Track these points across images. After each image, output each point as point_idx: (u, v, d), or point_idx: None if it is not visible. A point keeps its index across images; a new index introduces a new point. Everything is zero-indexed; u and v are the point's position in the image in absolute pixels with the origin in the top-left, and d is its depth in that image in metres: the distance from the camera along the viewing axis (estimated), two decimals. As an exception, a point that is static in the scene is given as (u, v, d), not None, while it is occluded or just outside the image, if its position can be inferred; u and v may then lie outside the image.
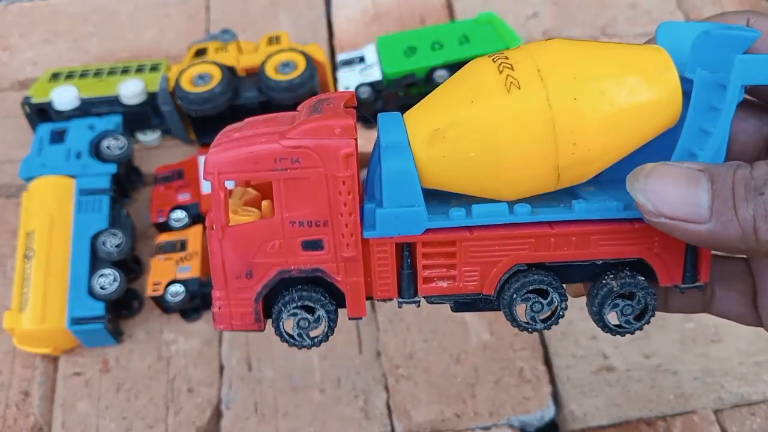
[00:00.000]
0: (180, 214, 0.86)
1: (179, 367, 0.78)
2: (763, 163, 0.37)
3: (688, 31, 0.41)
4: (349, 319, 0.44)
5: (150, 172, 0.93)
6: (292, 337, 0.44)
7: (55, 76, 0.96)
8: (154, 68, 0.95)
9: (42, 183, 0.83)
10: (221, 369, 0.78)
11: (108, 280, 0.78)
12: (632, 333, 0.45)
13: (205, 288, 0.80)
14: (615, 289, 0.43)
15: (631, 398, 0.74)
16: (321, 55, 0.93)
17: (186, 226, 0.86)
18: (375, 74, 0.93)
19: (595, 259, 0.43)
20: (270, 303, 0.43)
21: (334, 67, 0.98)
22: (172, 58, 1.01)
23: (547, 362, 0.77)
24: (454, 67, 0.93)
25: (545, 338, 0.78)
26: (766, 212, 0.36)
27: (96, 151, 0.86)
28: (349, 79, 0.94)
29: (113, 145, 0.86)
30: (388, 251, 0.42)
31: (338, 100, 0.44)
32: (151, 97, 0.92)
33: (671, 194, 0.38)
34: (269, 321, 0.44)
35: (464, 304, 0.45)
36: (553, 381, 0.76)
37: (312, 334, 0.44)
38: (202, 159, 0.90)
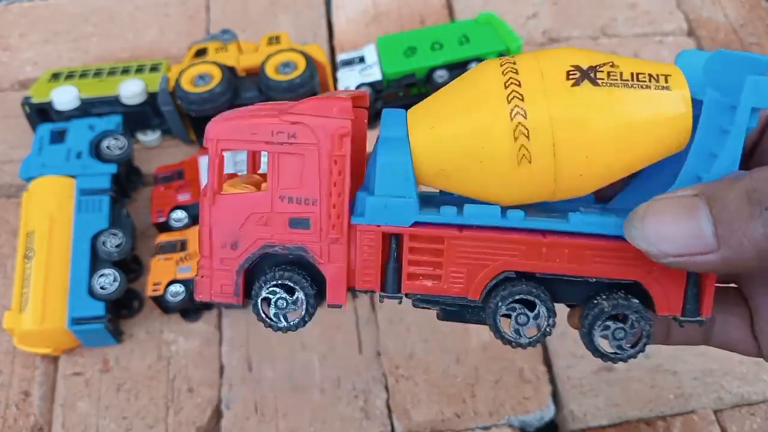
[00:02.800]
0: (180, 214, 0.86)
1: (179, 367, 0.78)
2: (764, 169, 0.35)
3: (702, 56, 0.40)
4: (328, 306, 0.43)
5: (150, 172, 0.93)
6: (268, 316, 0.43)
7: (55, 76, 0.96)
8: (154, 68, 0.95)
9: (42, 183, 0.83)
10: (221, 369, 0.78)
11: (108, 280, 0.78)
12: (625, 361, 0.42)
13: (205, 288, 0.80)
14: (606, 309, 0.41)
15: (631, 398, 0.74)
16: (321, 55, 0.93)
17: (186, 226, 0.86)
18: (375, 74, 0.93)
19: (587, 276, 0.41)
20: (251, 283, 0.43)
21: (334, 67, 0.98)
22: (172, 58, 1.01)
23: (547, 362, 0.77)
24: (454, 67, 0.93)
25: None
26: None
27: (96, 151, 0.86)
28: (349, 79, 0.94)
29: (113, 145, 0.86)
30: (374, 240, 0.42)
31: (348, 94, 0.44)
32: (151, 97, 0.92)
33: (671, 232, 0.36)
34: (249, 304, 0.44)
35: (451, 312, 0.44)
36: (553, 381, 0.76)
37: (289, 317, 0.43)
38: (202, 159, 0.90)
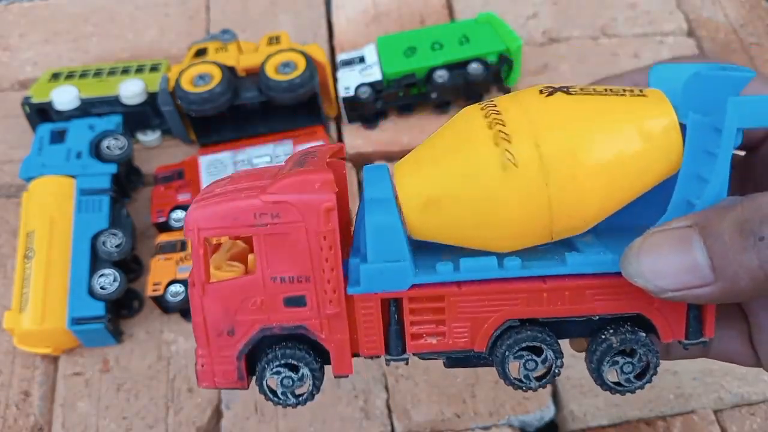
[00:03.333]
0: (180, 214, 0.86)
1: (179, 367, 0.78)
2: (755, 197, 0.35)
3: (682, 72, 0.39)
4: (335, 377, 0.43)
5: (150, 172, 0.93)
6: (276, 395, 0.42)
7: (55, 76, 0.96)
8: (154, 68, 0.95)
9: (42, 183, 0.83)
10: (221, 369, 0.78)
11: (108, 280, 0.78)
12: (632, 392, 0.42)
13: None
14: (614, 345, 0.41)
15: (630, 398, 0.74)
16: (321, 55, 0.93)
17: (186, 226, 0.86)
18: (375, 74, 0.93)
19: (590, 314, 0.41)
20: (254, 359, 0.42)
21: (334, 67, 0.98)
22: (172, 58, 1.01)
23: (547, 362, 0.77)
24: (454, 67, 0.93)
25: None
26: None
27: (96, 151, 0.86)
28: (349, 79, 0.94)
29: (113, 145, 0.86)
30: (373, 308, 0.41)
31: (324, 153, 0.43)
32: (152, 98, 0.92)
33: (667, 267, 0.36)
34: (254, 378, 0.43)
35: (457, 360, 0.43)
36: (552, 381, 0.76)
37: (297, 392, 0.42)
38: (202, 159, 0.90)
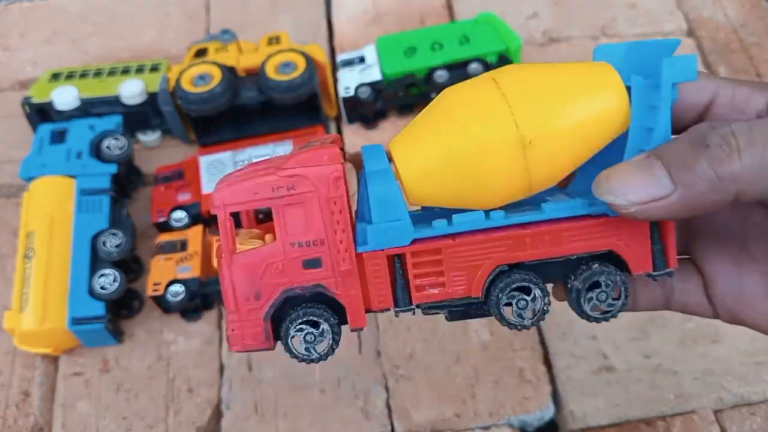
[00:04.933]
0: (180, 214, 0.86)
1: (179, 367, 0.78)
2: (698, 126, 0.41)
3: (619, 49, 0.47)
4: (351, 330, 0.47)
5: (150, 172, 0.93)
6: (300, 352, 0.47)
7: (56, 76, 0.96)
8: (154, 68, 0.95)
9: (42, 183, 0.83)
10: (221, 369, 0.78)
11: (108, 280, 0.78)
12: (618, 314, 0.47)
13: (206, 288, 0.80)
14: (579, 287, 0.47)
15: (631, 398, 0.74)
16: (321, 55, 0.93)
17: (186, 226, 0.86)
18: (375, 74, 0.93)
19: (568, 254, 0.47)
20: (279, 325, 0.47)
21: (334, 67, 0.98)
22: (172, 59, 1.01)
23: (547, 362, 0.77)
24: (454, 67, 0.93)
25: (545, 338, 0.78)
26: (718, 156, 0.39)
27: (96, 151, 0.86)
28: (349, 80, 0.94)
29: (113, 145, 0.86)
30: (380, 264, 0.46)
31: (325, 140, 0.49)
32: (152, 98, 0.92)
33: (634, 184, 0.42)
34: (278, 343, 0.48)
35: (457, 312, 0.48)
36: (553, 381, 0.76)
37: (318, 348, 0.47)
38: (202, 159, 0.90)
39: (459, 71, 0.93)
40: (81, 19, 1.12)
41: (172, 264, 0.81)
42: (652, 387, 0.74)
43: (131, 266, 0.84)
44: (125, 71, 0.95)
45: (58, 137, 0.88)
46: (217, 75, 0.89)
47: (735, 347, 0.76)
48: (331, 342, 0.47)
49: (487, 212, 0.46)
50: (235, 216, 0.45)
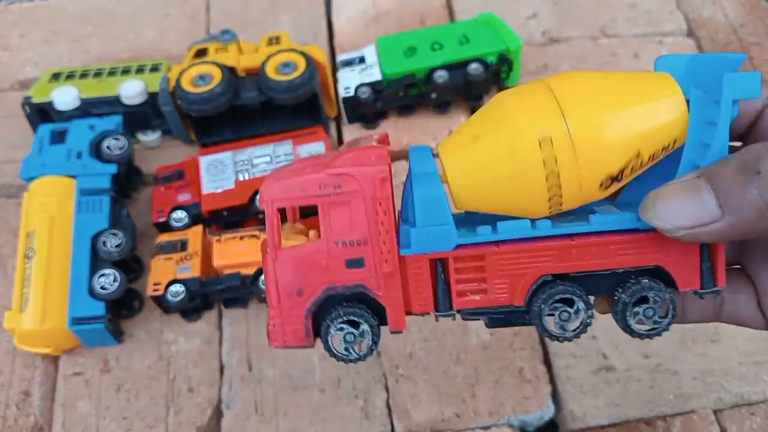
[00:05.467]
0: (180, 214, 0.86)
1: (179, 367, 0.78)
2: (754, 147, 0.40)
3: (681, 60, 0.46)
4: (391, 332, 0.47)
5: (150, 172, 0.93)
6: (339, 351, 0.47)
7: (56, 77, 0.96)
8: (154, 68, 0.95)
9: (43, 183, 0.83)
10: (221, 369, 0.78)
11: (108, 280, 0.78)
12: (665, 331, 0.47)
13: (205, 288, 0.80)
14: (627, 300, 0.46)
15: (630, 398, 0.74)
16: (321, 55, 0.93)
17: (186, 226, 0.86)
18: (375, 75, 0.93)
19: (615, 268, 0.46)
20: (318, 324, 0.47)
21: (334, 68, 0.99)
22: (172, 59, 1.01)
23: (547, 362, 0.77)
24: (454, 68, 0.93)
25: (545, 338, 0.78)
26: None
27: (96, 152, 0.86)
28: (349, 80, 0.94)
29: (114, 145, 0.87)
30: (422, 267, 0.46)
31: (371, 138, 0.49)
32: (152, 98, 0.92)
33: (681, 209, 0.41)
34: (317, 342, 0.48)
35: (498, 319, 0.48)
36: (552, 381, 0.76)
37: (357, 348, 0.47)
38: (202, 159, 0.90)
39: (459, 71, 0.93)
40: (81, 19, 1.12)
41: (172, 264, 0.81)
42: (652, 387, 0.74)
43: (131, 266, 0.84)
44: (125, 71, 0.95)
45: (58, 137, 0.88)
46: (217, 75, 0.89)
47: (734, 347, 0.76)
48: (370, 343, 0.47)
49: (533, 221, 0.46)
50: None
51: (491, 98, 0.47)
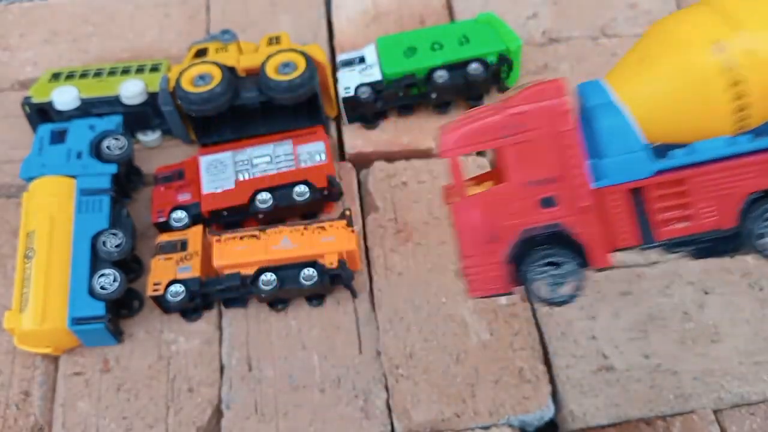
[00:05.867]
0: (180, 214, 0.86)
1: (179, 367, 0.78)
2: None
3: None
4: (596, 271, 0.45)
5: (150, 173, 0.93)
6: (543, 296, 0.45)
7: (56, 77, 0.96)
8: (154, 68, 0.95)
9: (42, 183, 0.83)
10: (221, 369, 0.78)
11: (108, 280, 0.78)
12: None
13: (205, 288, 0.80)
14: None
15: (630, 398, 0.74)
16: (321, 55, 0.93)
17: (186, 226, 0.86)
18: (375, 75, 0.93)
19: None
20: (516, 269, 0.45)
21: (334, 68, 0.99)
22: (172, 59, 1.01)
23: (547, 362, 0.77)
24: (454, 68, 0.93)
25: (545, 338, 0.78)
26: None
27: (96, 152, 0.86)
28: (348, 80, 0.94)
29: (113, 145, 0.87)
30: (620, 198, 0.43)
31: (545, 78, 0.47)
32: (152, 98, 0.92)
33: None
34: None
35: (705, 249, 0.45)
36: (552, 381, 0.76)
37: (562, 290, 0.45)
38: (202, 159, 0.90)
39: (459, 71, 0.93)
40: (81, 19, 1.12)
41: (172, 264, 0.81)
42: (652, 387, 0.74)
43: (131, 266, 0.84)
44: (125, 71, 0.95)
45: (58, 137, 0.88)
46: (217, 75, 0.89)
47: (734, 347, 0.76)
48: (576, 284, 0.45)
49: (728, 138, 0.43)
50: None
51: (653, 25, 0.45)
